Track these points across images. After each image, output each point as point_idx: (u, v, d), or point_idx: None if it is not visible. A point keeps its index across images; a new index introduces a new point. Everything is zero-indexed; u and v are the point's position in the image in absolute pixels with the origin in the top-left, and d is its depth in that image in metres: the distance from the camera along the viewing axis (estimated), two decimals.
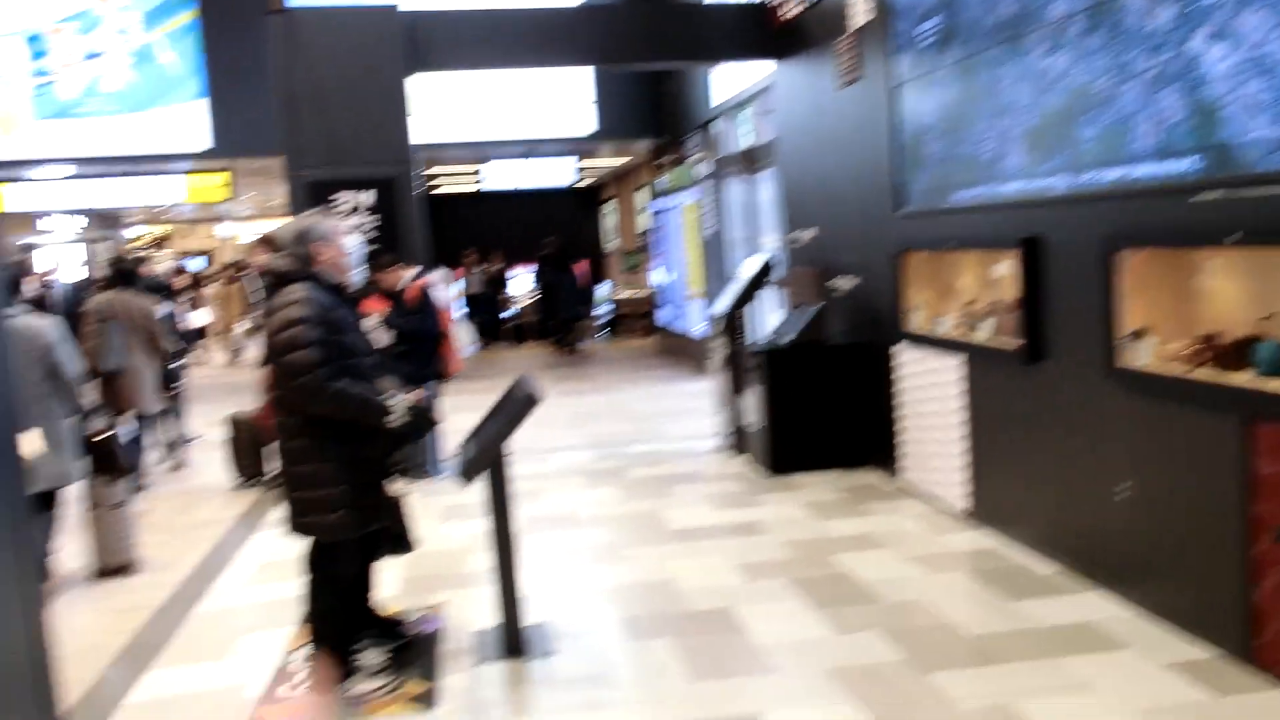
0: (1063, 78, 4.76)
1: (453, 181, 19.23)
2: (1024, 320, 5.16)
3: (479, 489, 4.28)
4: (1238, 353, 3.90)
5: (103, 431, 5.61)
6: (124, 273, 8.08)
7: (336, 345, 3.82)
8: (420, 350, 7.41)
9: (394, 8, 8.23)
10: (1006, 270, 5.49)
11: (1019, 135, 5.16)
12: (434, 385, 7.72)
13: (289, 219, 4.41)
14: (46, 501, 5.38)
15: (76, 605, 5.28)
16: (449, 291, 15.46)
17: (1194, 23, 3.90)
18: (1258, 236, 3.66)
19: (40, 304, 10.89)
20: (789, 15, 8.38)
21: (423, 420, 3.99)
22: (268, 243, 7.70)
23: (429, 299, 7.48)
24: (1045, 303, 5.06)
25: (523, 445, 8.25)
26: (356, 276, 4.22)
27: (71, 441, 5.39)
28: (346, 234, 4.16)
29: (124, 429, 6.23)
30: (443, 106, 13.35)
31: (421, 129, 8.56)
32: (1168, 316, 4.32)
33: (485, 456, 4.26)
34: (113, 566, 5.74)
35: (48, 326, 5.42)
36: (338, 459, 3.86)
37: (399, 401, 3.90)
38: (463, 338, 14.26)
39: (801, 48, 8.24)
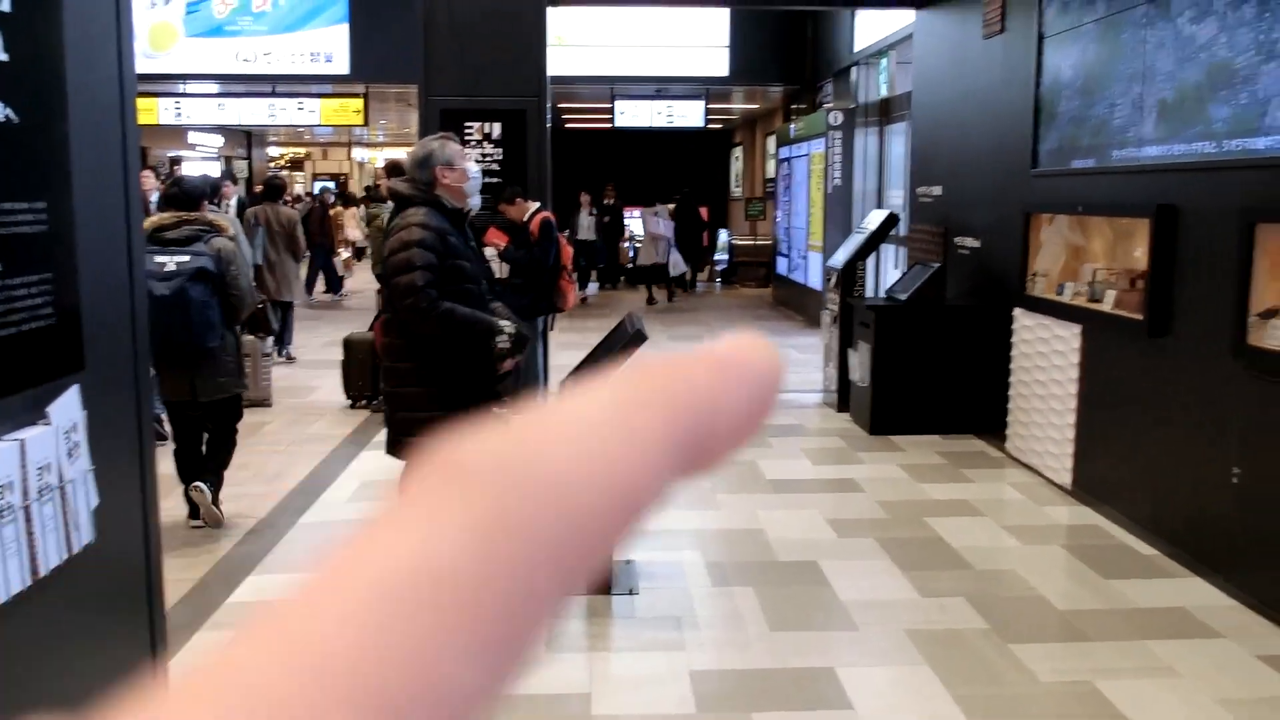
0: (1212, 42, 4.54)
1: (580, 118, 19.28)
2: (1151, 292, 4.97)
3: None
4: None
5: (259, 304, 6.68)
6: (272, 187, 10.02)
7: (450, 270, 3.91)
8: (537, 283, 7.51)
9: None
10: (1136, 238, 5.29)
11: (1159, 99, 4.94)
12: (548, 319, 7.83)
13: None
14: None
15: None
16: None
17: None
18: None
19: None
20: None
21: (521, 345, 4.06)
22: (392, 170, 7.90)
23: (550, 232, 7.55)
24: (1175, 275, 4.86)
25: None
26: (476, 202, 4.28)
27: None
28: (469, 159, 4.22)
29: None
30: (576, 40, 13.37)
31: (554, 62, 8.57)
32: None
33: None
34: (257, 400, 7.18)
35: (229, 220, 6.71)
36: (440, 383, 3.96)
37: (507, 324, 3.98)
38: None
39: None
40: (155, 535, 2.37)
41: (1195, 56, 4.65)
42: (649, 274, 16.24)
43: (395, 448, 4.06)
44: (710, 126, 17.87)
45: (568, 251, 7.87)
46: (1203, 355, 4.61)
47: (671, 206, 16.35)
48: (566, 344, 9.47)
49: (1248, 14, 4.27)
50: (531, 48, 8.18)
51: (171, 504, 5.15)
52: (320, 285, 15.55)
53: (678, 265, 16.14)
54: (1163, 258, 4.91)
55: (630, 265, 18.07)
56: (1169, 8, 4.85)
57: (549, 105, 8.38)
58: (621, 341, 4.38)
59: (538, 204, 7.73)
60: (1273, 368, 4.07)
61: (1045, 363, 6.05)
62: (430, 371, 3.95)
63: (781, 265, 15.42)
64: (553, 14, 8.37)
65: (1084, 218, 5.86)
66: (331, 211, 16.11)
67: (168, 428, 5.41)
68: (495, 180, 7.96)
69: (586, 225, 16.51)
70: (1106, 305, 5.47)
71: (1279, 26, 4.07)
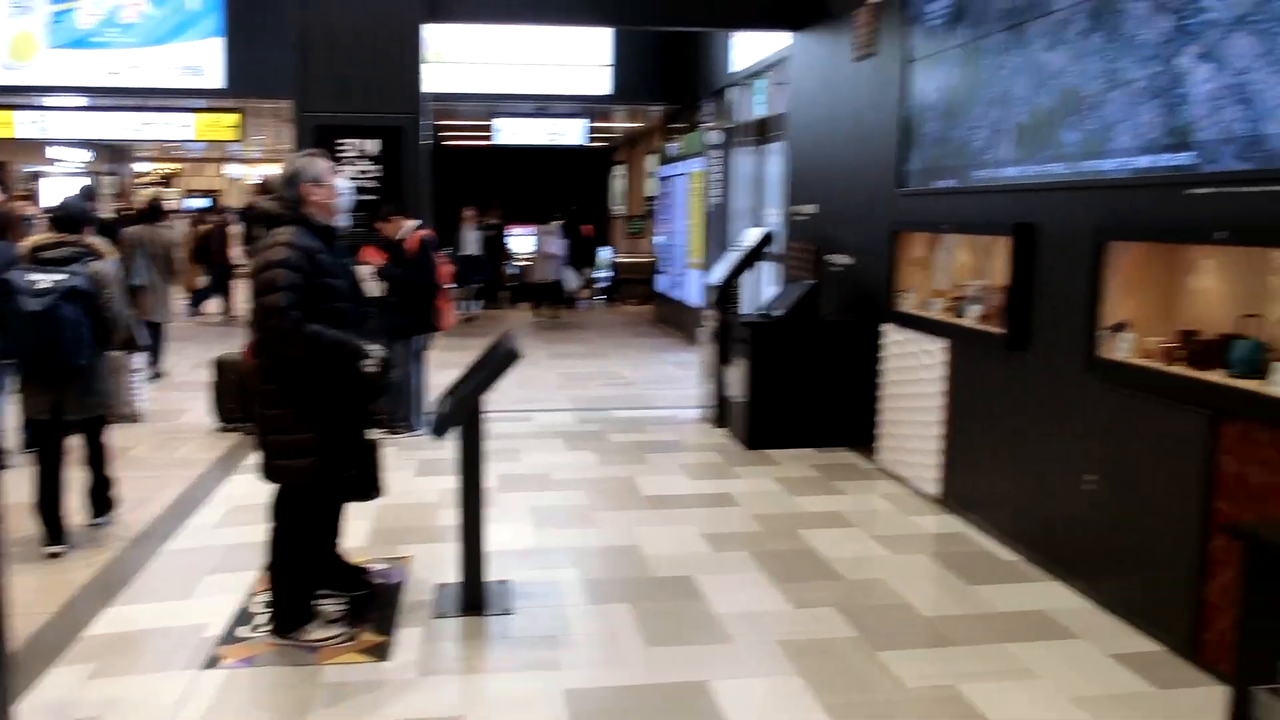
0: (1064, 70, 4.75)
1: (461, 135, 19.16)
2: (1010, 307, 5.16)
3: (456, 444, 4.31)
4: (1214, 350, 3.90)
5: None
6: (153, 209, 10.19)
7: (319, 289, 3.85)
8: (414, 302, 7.44)
9: None
10: (997, 255, 5.49)
11: (1016, 123, 5.14)
12: (425, 338, 7.75)
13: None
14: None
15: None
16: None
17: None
18: (1243, 235, 3.67)
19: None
20: None
21: (387, 369, 4.03)
22: (265, 188, 7.76)
23: (427, 250, 7.48)
24: (1033, 290, 5.05)
25: (506, 404, 8.31)
26: (345, 220, 4.24)
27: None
28: (338, 176, 4.17)
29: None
30: (456, 57, 13.30)
31: (433, 79, 8.52)
32: (1151, 311, 4.32)
33: (459, 411, 4.28)
34: (124, 414, 6.71)
35: (107, 245, 6.25)
36: (309, 405, 3.89)
37: (375, 348, 3.94)
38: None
39: (820, 19, 8.19)
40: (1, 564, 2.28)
41: (1048, 83, 4.86)
42: (537, 291, 16.31)
43: (266, 471, 3.98)
44: (592, 145, 17.94)
45: (445, 270, 7.82)
46: (1058, 368, 4.80)
47: (560, 224, 16.44)
48: (445, 363, 9.37)
49: (1095, 44, 4.49)
50: (407, 64, 8.12)
51: (24, 530, 4.94)
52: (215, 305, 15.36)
53: (570, 282, 16.47)
54: (1021, 274, 5.10)
55: (514, 284, 18.08)
56: (1024, 35, 5.06)
57: (427, 122, 8.33)
58: (495, 362, 4.37)
59: (417, 222, 7.66)
60: (1122, 379, 4.27)
61: (913, 376, 6.23)
62: (298, 393, 3.88)
63: (662, 282, 15.55)
64: (431, 31, 8.32)
65: (948, 235, 6.06)
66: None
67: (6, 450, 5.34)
68: (373, 198, 7.88)
69: (473, 240, 16.46)
70: (970, 320, 5.66)
71: (1124, 57, 4.29)
